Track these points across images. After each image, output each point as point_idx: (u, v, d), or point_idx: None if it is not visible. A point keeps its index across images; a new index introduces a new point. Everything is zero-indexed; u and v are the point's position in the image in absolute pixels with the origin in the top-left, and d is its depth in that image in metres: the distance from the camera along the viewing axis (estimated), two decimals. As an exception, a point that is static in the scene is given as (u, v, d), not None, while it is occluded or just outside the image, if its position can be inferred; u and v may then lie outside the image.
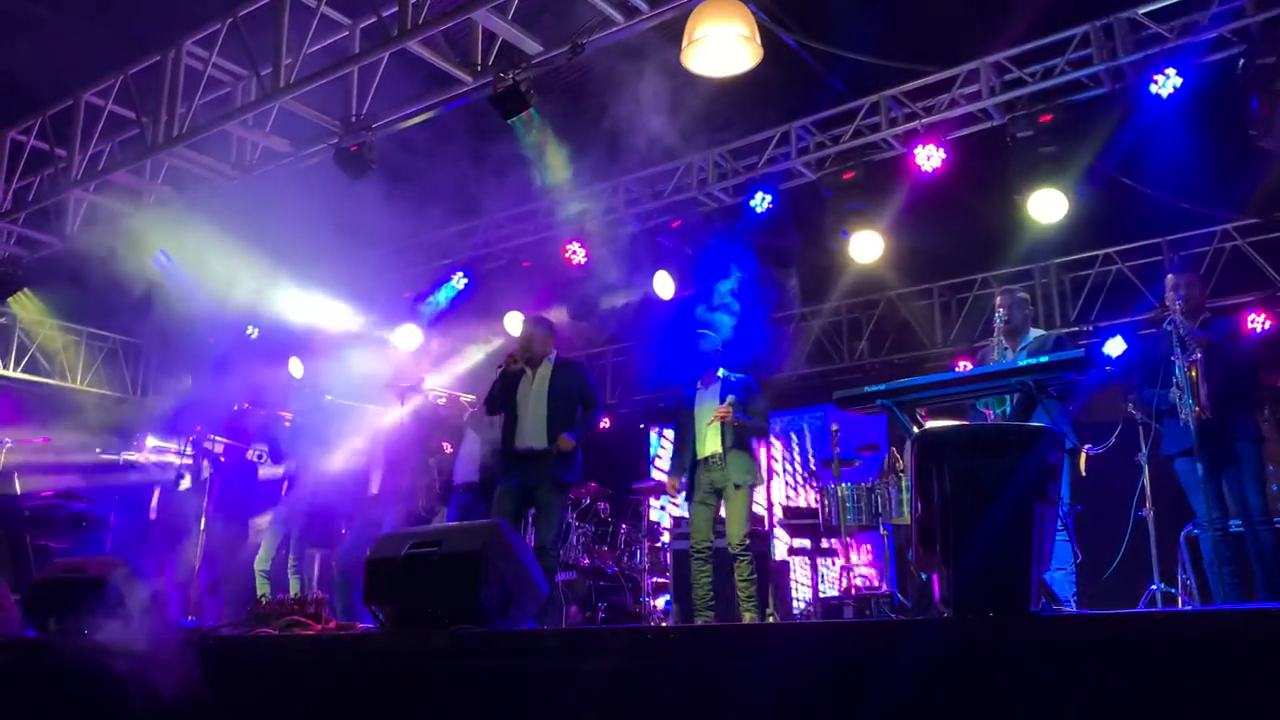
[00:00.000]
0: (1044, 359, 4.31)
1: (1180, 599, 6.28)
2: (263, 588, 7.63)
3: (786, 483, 11.20)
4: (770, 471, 10.94)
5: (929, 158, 7.48)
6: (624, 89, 7.14)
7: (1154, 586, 6.18)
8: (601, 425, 11.92)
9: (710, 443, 6.28)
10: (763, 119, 8.28)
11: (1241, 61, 6.31)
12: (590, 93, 7.75)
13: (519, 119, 5.84)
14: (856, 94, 8.03)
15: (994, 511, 3.48)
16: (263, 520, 8.22)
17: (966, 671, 3.37)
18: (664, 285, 9.06)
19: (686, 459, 6.46)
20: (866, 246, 8.04)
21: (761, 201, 8.40)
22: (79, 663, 4.98)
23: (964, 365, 9.73)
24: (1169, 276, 5.97)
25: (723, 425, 6.20)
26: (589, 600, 8.63)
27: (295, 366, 10.07)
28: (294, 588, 7.85)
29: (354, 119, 6.50)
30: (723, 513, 6.31)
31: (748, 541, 6.16)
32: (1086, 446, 5.37)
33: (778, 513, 9.71)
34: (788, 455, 11.31)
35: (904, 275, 10.26)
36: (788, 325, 11.28)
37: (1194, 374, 5.26)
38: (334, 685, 4.74)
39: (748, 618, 6.04)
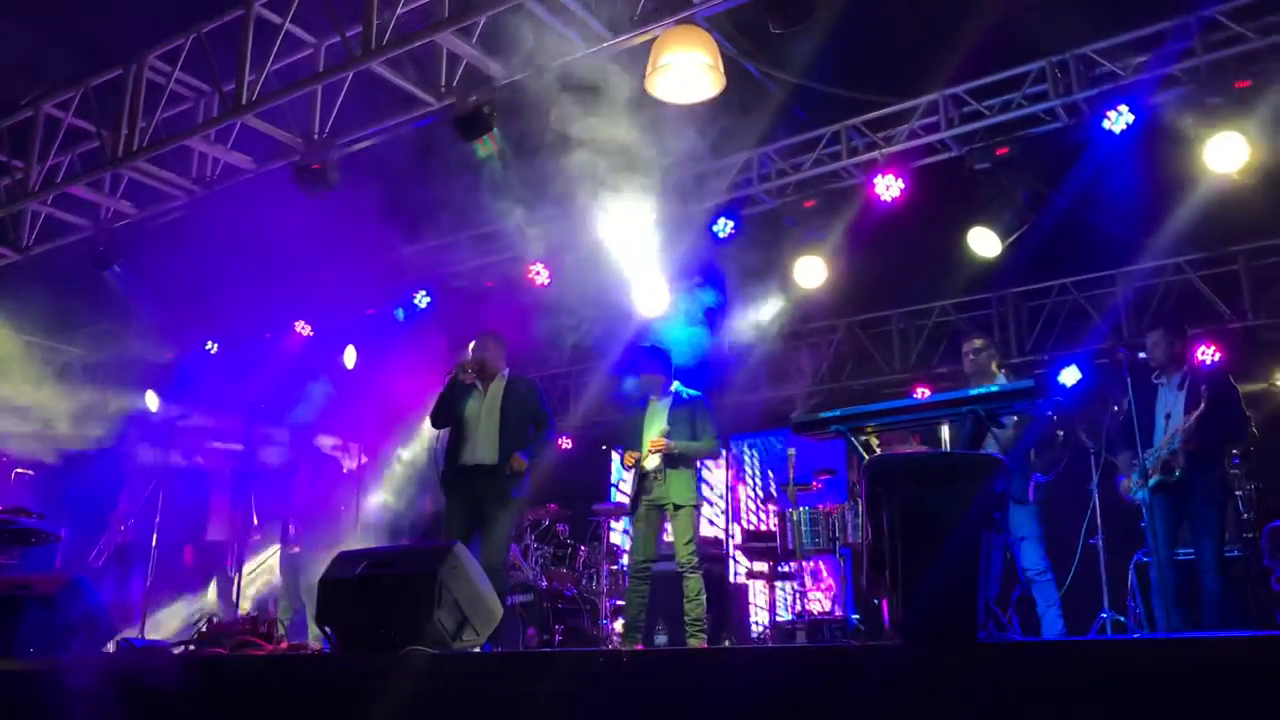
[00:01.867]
0: (994, 388, 4.39)
1: (1129, 627, 6.37)
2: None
3: (747, 506, 11.24)
4: (734, 494, 11.00)
5: (888, 187, 7.59)
6: (590, 112, 7.19)
7: (1104, 614, 6.27)
8: (563, 446, 11.98)
9: (652, 459, 6.26)
10: (726, 146, 8.35)
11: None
12: (556, 115, 7.79)
13: (481, 141, 5.86)
14: (818, 123, 8.13)
15: (943, 539, 3.53)
16: None
17: (914, 697, 3.41)
18: (652, 303, 9.08)
19: (633, 474, 6.40)
20: (811, 273, 8.16)
21: (724, 227, 8.47)
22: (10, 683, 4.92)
23: (922, 392, 9.85)
24: (1148, 335, 6.11)
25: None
26: (546, 622, 8.60)
27: None
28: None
29: (316, 137, 6.50)
30: (668, 535, 6.29)
31: (695, 560, 6.13)
32: (1035, 475, 5.46)
33: (736, 536, 9.76)
34: (748, 479, 11.35)
35: (864, 301, 10.37)
36: (750, 348, 11.33)
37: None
38: (285, 707, 4.70)
39: (694, 641, 6.01)
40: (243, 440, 8.40)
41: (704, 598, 6.09)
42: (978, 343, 6.53)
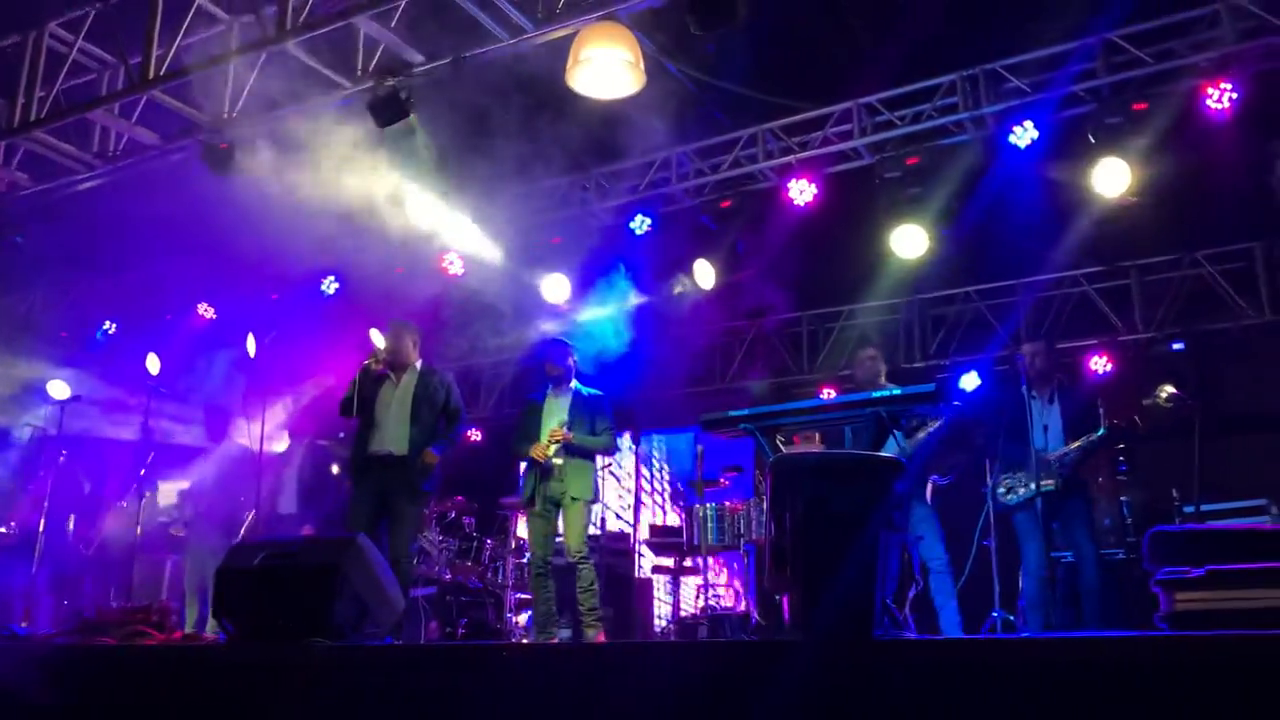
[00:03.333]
0: (896, 391, 4.51)
1: (1019, 626, 6.59)
2: None
3: (655, 501, 11.31)
4: (639, 490, 11.05)
5: (801, 192, 7.72)
6: (512, 104, 7.16)
7: (995, 614, 6.48)
8: (472, 438, 11.89)
9: (552, 449, 6.25)
10: (645, 144, 8.39)
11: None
12: (477, 105, 7.74)
13: (397, 127, 5.79)
14: (737, 126, 8.22)
15: (842, 537, 3.61)
16: None
17: (810, 693, 3.48)
18: (554, 290, 9.07)
19: (529, 467, 6.39)
20: (722, 272, 8.28)
21: (641, 224, 8.51)
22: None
23: (828, 393, 10.04)
24: (1025, 346, 6.36)
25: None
26: (450, 616, 8.54)
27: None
28: None
29: (226, 116, 6.34)
30: (560, 526, 6.31)
31: (587, 550, 6.17)
32: (933, 476, 5.63)
33: (644, 531, 9.80)
34: (657, 475, 11.42)
35: (778, 303, 10.51)
36: (663, 346, 11.40)
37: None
38: (178, 699, 4.58)
39: (591, 631, 6.04)
40: (140, 424, 8.14)
41: (597, 587, 6.14)
42: (870, 352, 6.71)
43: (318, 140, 6.84)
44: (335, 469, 9.76)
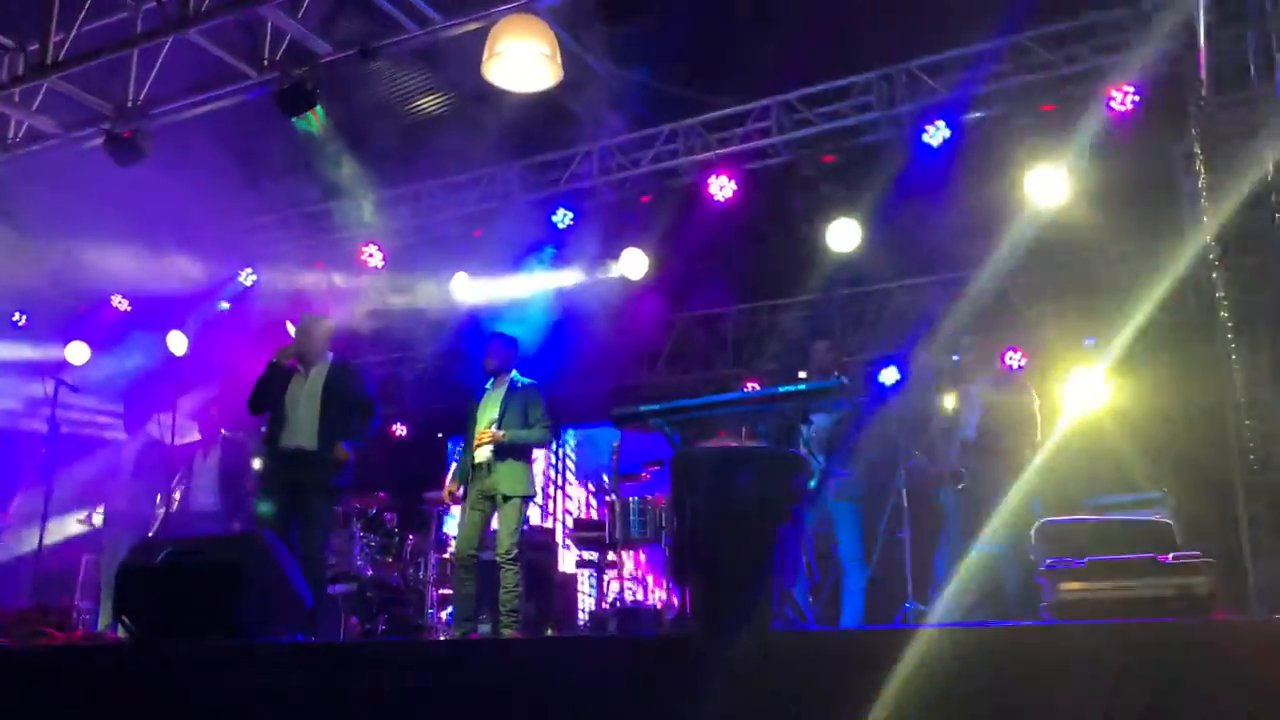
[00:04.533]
0: (801, 386, 4.56)
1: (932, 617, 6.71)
2: None
3: (581, 496, 11.32)
4: (564, 483, 11.05)
5: (721, 188, 7.77)
6: (432, 95, 7.12)
7: (908, 605, 6.60)
8: (397, 433, 11.78)
9: (484, 449, 6.23)
10: (566, 136, 8.39)
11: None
12: (397, 96, 7.69)
13: (304, 118, 5.70)
14: (659, 121, 8.25)
15: (740, 531, 3.65)
16: None
17: (707, 684, 3.52)
18: (463, 288, 9.00)
19: (469, 460, 6.34)
20: (645, 266, 8.31)
21: (563, 218, 8.50)
22: None
23: (751, 387, 10.12)
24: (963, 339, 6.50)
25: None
26: (370, 612, 8.46)
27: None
28: None
29: (130, 104, 6.18)
30: (495, 523, 6.28)
31: (515, 552, 6.13)
32: (836, 470, 5.71)
33: (568, 524, 9.82)
34: (581, 468, 11.43)
35: (700, 298, 10.57)
36: (586, 339, 11.40)
37: None
38: (80, 700, 4.49)
39: (508, 632, 6.02)
40: (47, 418, 7.93)
41: (520, 590, 6.08)
42: (824, 344, 6.77)
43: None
44: (257, 464, 9.64)
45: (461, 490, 6.36)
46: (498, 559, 6.11)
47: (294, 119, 5.73)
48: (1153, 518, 6.63)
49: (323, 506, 5.94)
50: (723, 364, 10.88)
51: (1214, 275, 8.08)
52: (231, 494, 8.33)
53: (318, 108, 5.69)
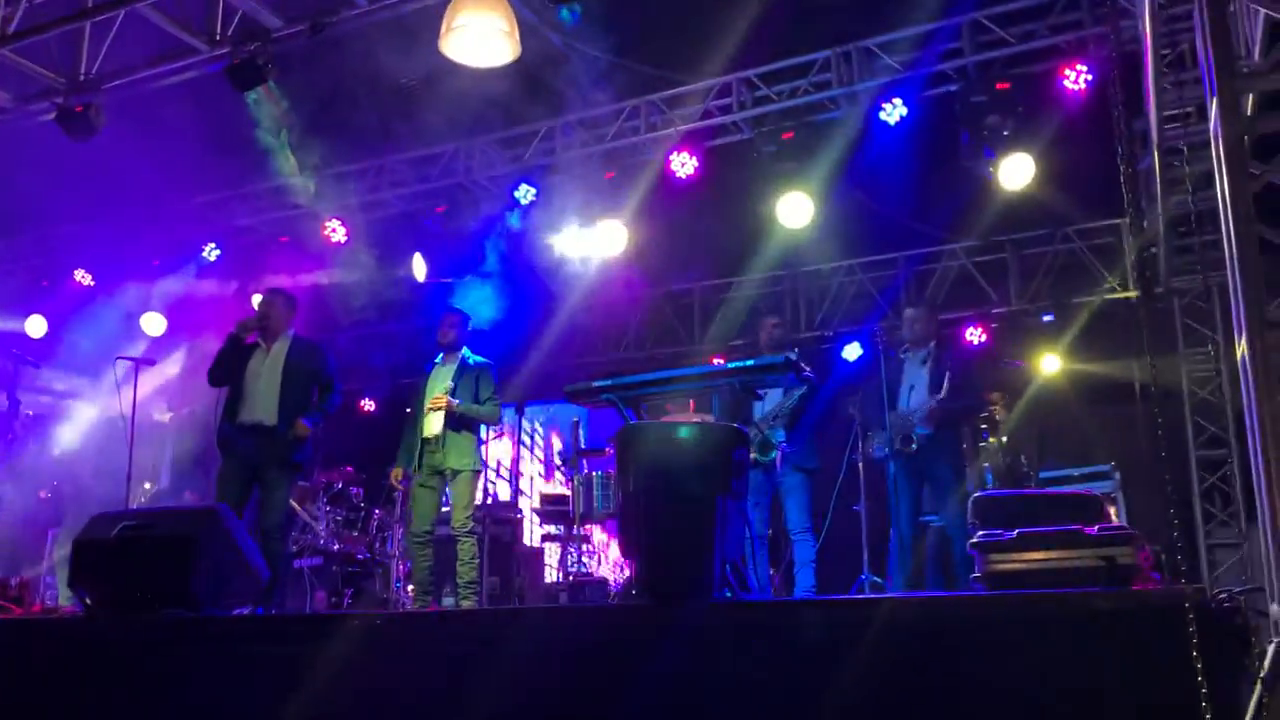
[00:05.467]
0: (749, 362, 4.62)
1: (888, 588, 6.83)
2: None
3: (547, 471, 11.39)
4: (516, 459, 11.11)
5: (683, 164, 7.80)
6: (394, 69, 7.08)
7: (863, 577, 6.71)
8: (365, 408, 11.79)
9: (433, 423, 6.26)
10: (529, 113, 8.38)
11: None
12: (357, 70, 7.64)
13: (256, 93, 5.68)
14: (620, 97, 8.24)
15: (682, 504, 3.72)
16: None
17: (652, 653, 3.60)
18: (420, 268, 9.00)
19: (415, 438, 6.35)
20: (613, 242, 8.35)
21: (526, 194, 8.50)
22: None
23: (718, 362, 10.19)
24: (907, 310, 6.58)
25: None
26: (336, 586, 8.51)
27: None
28: None
29: (83, 78, 6.14)
30: (446, 497, 6.34)
31: (470, 524, 6.21)
32: (781, 445, 5.79)
33: (535, 500, 9.88)
34: (547, 443, 11.49)
35: (667, 275, 10.63)
36: (554, 316, 11.43)
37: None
38: (38, 672, 4.53)
39: (466, 604, 6.09)
40: (5, 392, 7.90)
41: (477, 561, 6.17)
42: (772, 320, 6.85)
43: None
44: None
45: (410, 471, 6.37)
46: (453, 532, 6.18)
47: (246, 94, 5.71)
48: (1098, 490, 6.79)
49: (282, 481, 5.97)
50: (689, 340, 10.96)
51: (1168, 253, 8.24)
52: (195, 470, 8.34)
53: (270, 83, 5.67)
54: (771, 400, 6.09)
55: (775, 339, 6.62)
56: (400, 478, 6.43)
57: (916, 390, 6.09)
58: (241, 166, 8.80)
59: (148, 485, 8.92)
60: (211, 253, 9.57)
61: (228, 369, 6.05)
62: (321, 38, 6.08)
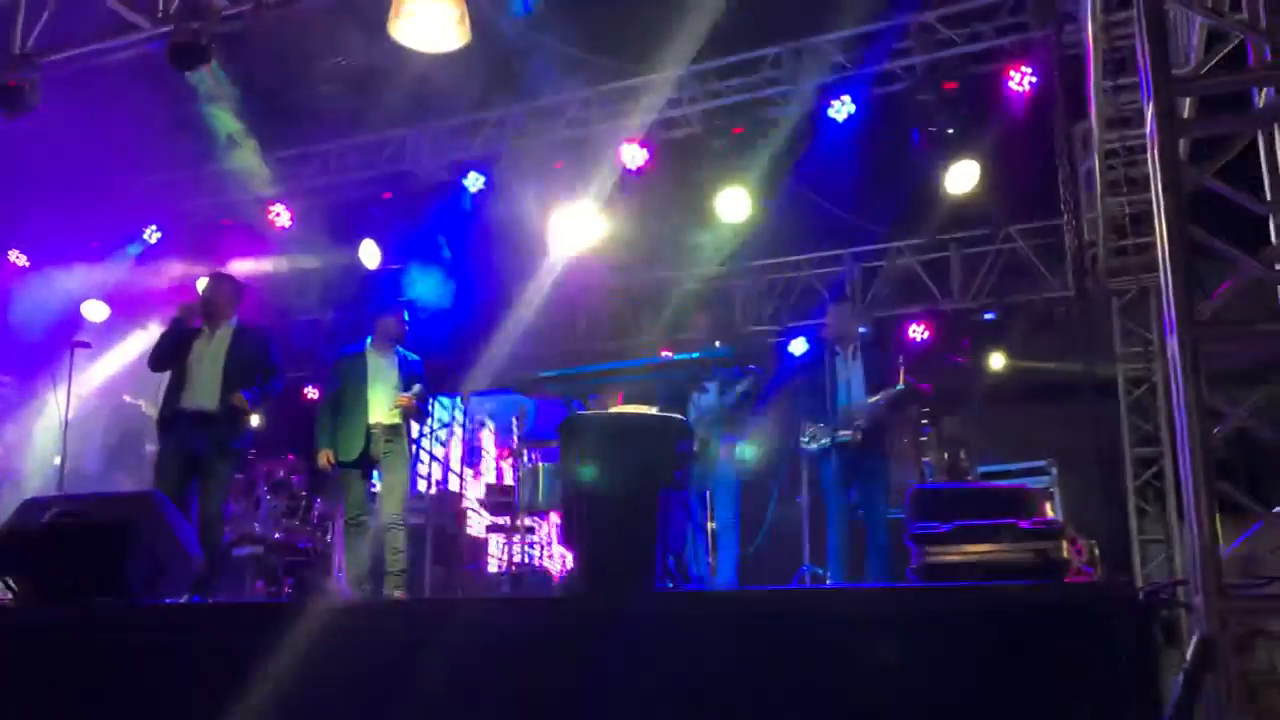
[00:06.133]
0: (695, 355, 4.66)
1: (829, 579, 6.91)
2: None
3: (494, 462, 11.32)
4: (476, 448, 11.06)
5: (634, 156, 7.80)
6: (342, 53, 7.00)
7: (804, 568, 6.78)
8: (308, 396, 11.64)
9: (381, 413, 6.23)
10: (480, 101, 8.32)
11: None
12: (304, 53, 7.53)
13: (199, 73, 5.57)
14: (571, 88, 8.22)
15: (625, 494, 3.73)
16: None
17: (591, 642, 3.61)
18: (369, 255, 8.90)
19: (348, 421, 6.26)
20: (567, 234, 8.33)
21: (476, 182, 8.45)
22: None
23: (667, 354, 10.22)
24: (831, 307, 6.65)
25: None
26: (276, 575, 8.42)
27: None
28: None
29: (18, 53, 5.97)
30: (377, 485, 6.31)
31: (401, 514, 6.18)
32: (726, 436, 5.84)
33: (479, 490, 9.83)
34: (496, 435, 11.43)
35: (617, 267, 10.61)
36: (507, 307, 11.37)
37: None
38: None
39: (396, 593, 6.07)
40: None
41: (406, 550, 6.15)
42: (706, 316, 6.90)
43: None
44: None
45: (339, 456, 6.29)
46: (384, 522, 6.15)
47: (189, 74, 5.59)
48: (1035, 486, 6.92)
49: (222, 468, 5.88)
50: (638, 332, 10.97)
51: (1107, 254, 8.41)
52: (123, 457, 8.18)
53: (214, 64, 5.57)
54: (716, 393, 6.14)
55: (720, 334, 6.65)
56: (331, 460, 6.31)
57: (854, 386, 6.16)
58: (184, 148, 8.63)
59: (56, 460, 8.73)
60: (152, 235, 9.37)
61: (170, 354, 5.95)
62: (268, 20, 5.99)
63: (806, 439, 6.17)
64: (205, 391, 5.87)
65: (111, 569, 4.48)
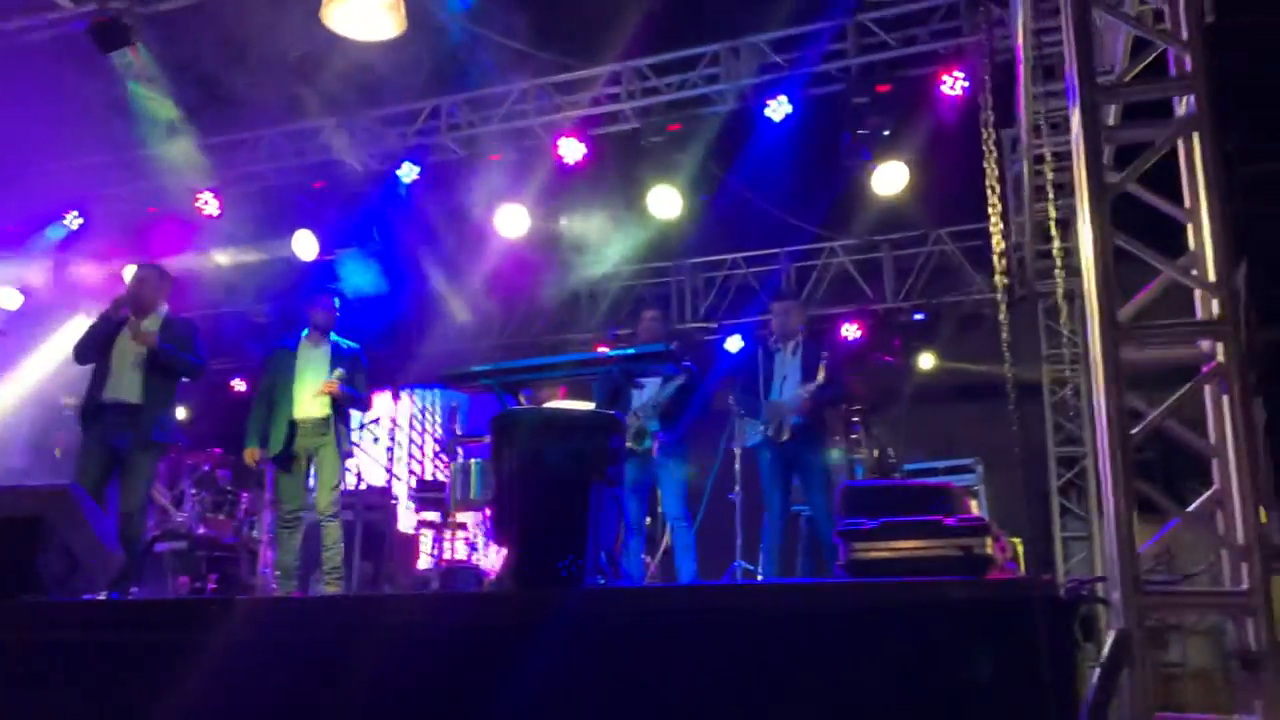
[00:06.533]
0: (630, 351, 4.64)
1: (760, 575, 6.97)
2: None
3: (429, 457, 11.22)
4: (411, 444, 10.94)
5: (571, 150, 7.76)
6: (273, 39, 6.86)
7: (736, 564, 6.83)
8: (236, 389, 11.41)
9: (309, 405, 6.13)
10: (415, 89, 8.21)
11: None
12: (233, 38, 7.37)
13: (123, 54, 5.40)
14: (508, 79, 8.15)
15: (555, 490, 3.71)
16: None
17: (520, 642, 3.58)
18: (304, 245, 8.73)
19: (279, 417, 6.18)
20: (506, 225, 8.27)
21: (410, 172, 8.34)
22: None
23: (603, 350, 10.22)
24: (774, 304, 6.70)
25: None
26: (199, 571, 8.25)
27: None
28: None
29: (-68, 29, 5.77)
30: (313, 480, 6.21)
31: (336, 508, 6.10)
32: (660, 433, 5.85)
33: (411, 485, 9.73)
34: (429, 430, 11.33)
35: (553, 262, 10.57)
36: (439, 300, 11.26)
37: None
38: None
39: (331, 589, 5.99)
40: None
41: (342, 545, 6.08)
42: (651, 313, 6.88)
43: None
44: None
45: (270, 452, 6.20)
46: (319, 516, 6.07)
47: (112, 55, 5.42)
48: (961, 483, 7.05)
49: (144, 462, 5.74)
50: (574, 327, 10.94)
51: (1033, 257, 8.60)
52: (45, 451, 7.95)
53: (139, 45, 5.40)
54: (651, 389, 6.14)
55: (653, 332, 6.64)
56: (257, 458, 6.21)
57: (789, 381, 6.21)
58: (111, 131, 8.38)
59: None
60: (74, 221, 9.09)
61: (95, 347, 5.79)
62: (198, 2, 5.86)
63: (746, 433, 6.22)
64: (127, 385, 5.73)
65: (22, 565, 4.33)
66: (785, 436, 6.02)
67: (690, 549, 6.24)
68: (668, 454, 6.18)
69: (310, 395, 6.10)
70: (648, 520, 6.63)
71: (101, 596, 4.72)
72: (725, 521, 6.78)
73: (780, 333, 6.36)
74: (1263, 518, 2.76)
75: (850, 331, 9.49)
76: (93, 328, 5.84)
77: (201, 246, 8.90)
